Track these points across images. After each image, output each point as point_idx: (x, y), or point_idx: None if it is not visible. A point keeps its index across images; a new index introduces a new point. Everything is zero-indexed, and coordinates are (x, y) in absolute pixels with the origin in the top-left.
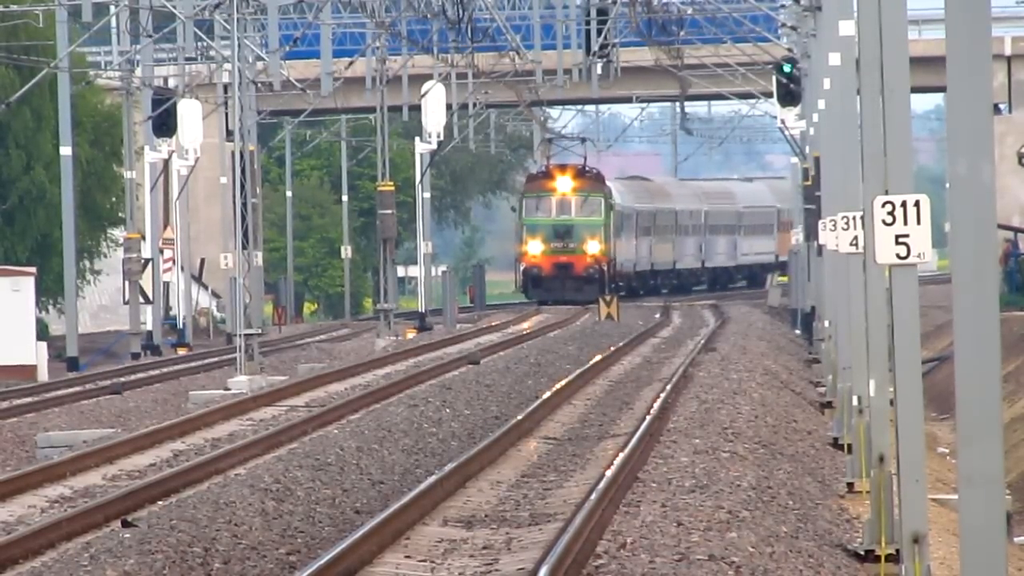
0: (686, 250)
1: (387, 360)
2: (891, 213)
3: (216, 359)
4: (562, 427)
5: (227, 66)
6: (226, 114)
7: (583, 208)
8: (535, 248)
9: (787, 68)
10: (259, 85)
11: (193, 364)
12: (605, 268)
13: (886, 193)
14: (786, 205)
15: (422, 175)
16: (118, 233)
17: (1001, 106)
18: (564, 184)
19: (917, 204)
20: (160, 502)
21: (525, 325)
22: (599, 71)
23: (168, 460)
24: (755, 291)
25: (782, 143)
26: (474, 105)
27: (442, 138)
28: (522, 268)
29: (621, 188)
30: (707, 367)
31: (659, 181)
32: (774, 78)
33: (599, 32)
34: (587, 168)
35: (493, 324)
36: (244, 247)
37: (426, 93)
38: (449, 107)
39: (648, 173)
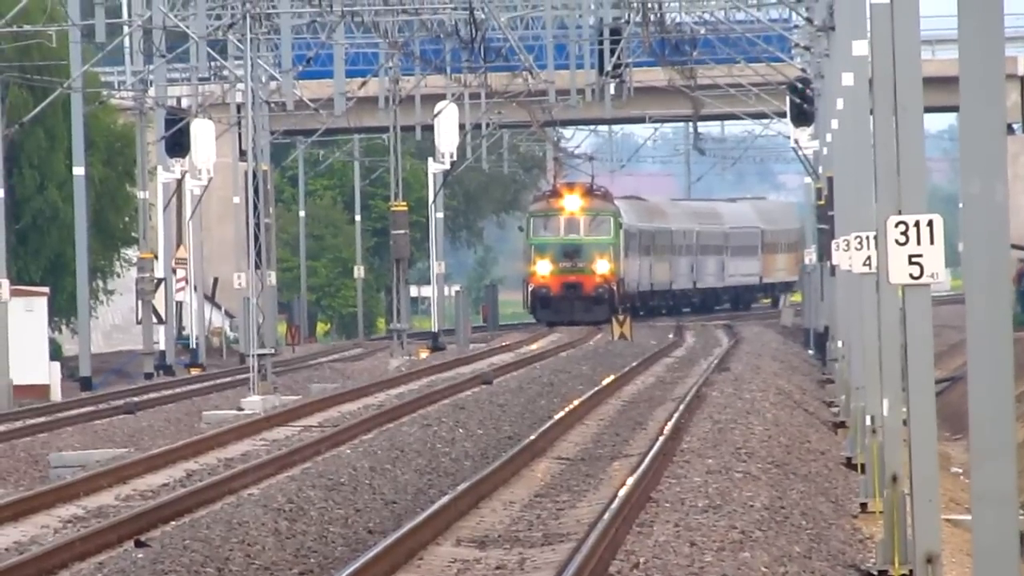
0: (680, 270)
1: (400, 380)
2: (904, 233)
3: (229, 379)
4: (575, 447)
5: (240, 86)
6: (239, 134)
7: (592, 227)
8: (543, 268)
9: (800, 88)
10: (272, 105)
11: (206, 384)
12: (615, 288)
13: (899, 213)
14: (770, 226)
15: (435, 195)
16: (131, 253)
17: (1014, 126)
18: (572, 203)
19: (930, 224)
20: (173, 522)
21: (538, 345)
22: (612, 91)
23: (181, 480)
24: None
25: (795, 163)
26: (487, 125)
27: (455, 158)
28: (530, 289)
29: (625, 207)
30: (720, 387)
31: (654, 201)
32: (787, 98)
33: (612, 52)
34: (596, 186)
35: (506, 344)
36: (257, 267)
37: (439, 113)
38: (462, 127)
39: (661, 193)
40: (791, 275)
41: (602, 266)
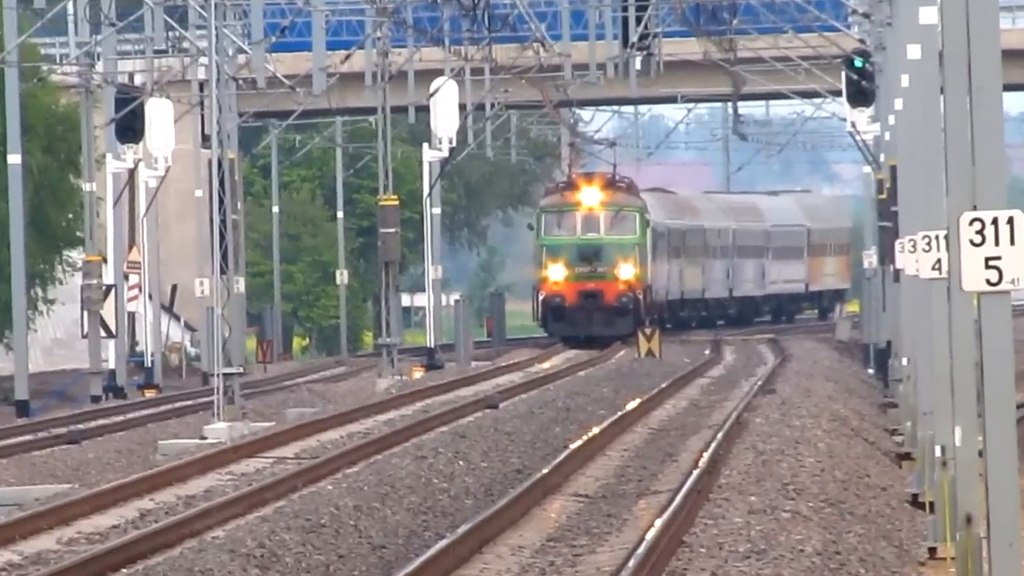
0: (714, 276)
1: (390, 404)
2: (980, 232)
3: (190, 403)
4: (595, 482)
5: (203, 60)
6: (202, 116)
7: (614, 225)
8: (557, 273)
9: (858, 63)
10: (240, 82)
11: (163, 409)
12: (640, 297)
13: (974, 208)
14: (817, 224)
15: (431, 187)
16: (76, 255)
17: None
18: (591, 197)
19: (1011, 221)
20: (125, 570)
21: (551, 363)
22: (638, 66)
23: (134, 521)
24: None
25: (852, 150)
26: (492, 106)
27: (454, 144)
28: (541, 298)
29: (652, 202)
30: (765, 412)
31: (684, 194)
32: (843, 74)
33: (638, 21)
34: (619, 177)
35: (514, 362)
36: (223, 272)
37: (435, 92)
38: (463, 108)
39: (696, 185)
40: (841, 282)
41: (626, 271)
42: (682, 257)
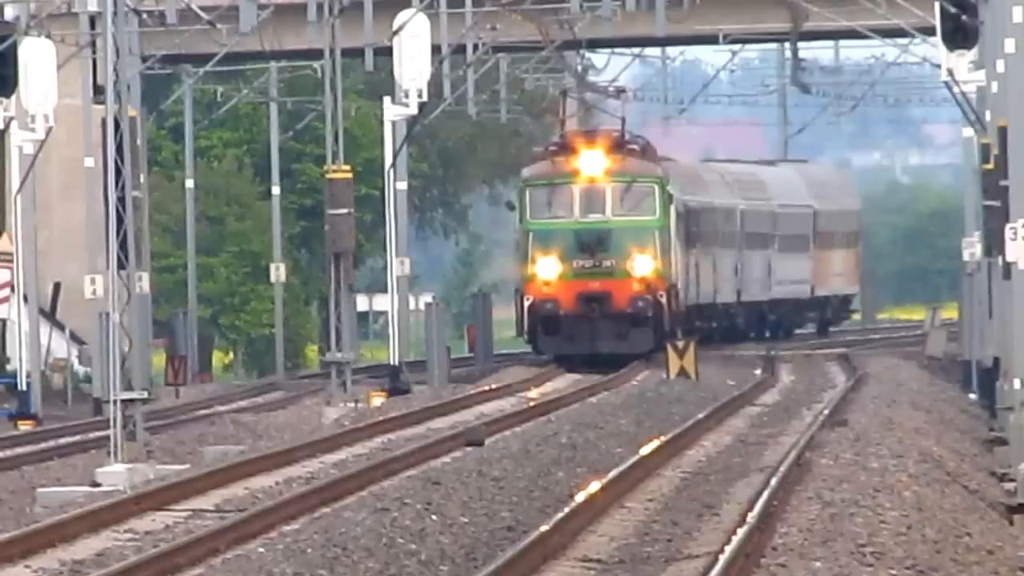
0: (724, 274)
1: (341, 440)
2: None
3: (78, 438)
4: (610, 543)
5: None
6: (94, 61)
7: (626, 202)
8: (548, 270)
9: None
10: (145, 16)
11: (43, 446)
12: (664, 300)
13: None
14: (824, 205)
15: (395, 155)
16: None
17: None
18: (592, 163)
19: None
20: None
21: (552, 386)
22: None
23: None
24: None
25: (949, 106)
26: (475, 47)
27: (425, 99)
28: (527, 303)
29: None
30: (833, 450)
31: (684, 163)
32: (936, 5)
33: None
34: (630, 136)
35: (505, 384)
36: (121, 266)
37: (400, 29)
38: (436, 50)
39: (746, 151)
40: (849, 284)
41: (643, 265)
42: (697, 247)
